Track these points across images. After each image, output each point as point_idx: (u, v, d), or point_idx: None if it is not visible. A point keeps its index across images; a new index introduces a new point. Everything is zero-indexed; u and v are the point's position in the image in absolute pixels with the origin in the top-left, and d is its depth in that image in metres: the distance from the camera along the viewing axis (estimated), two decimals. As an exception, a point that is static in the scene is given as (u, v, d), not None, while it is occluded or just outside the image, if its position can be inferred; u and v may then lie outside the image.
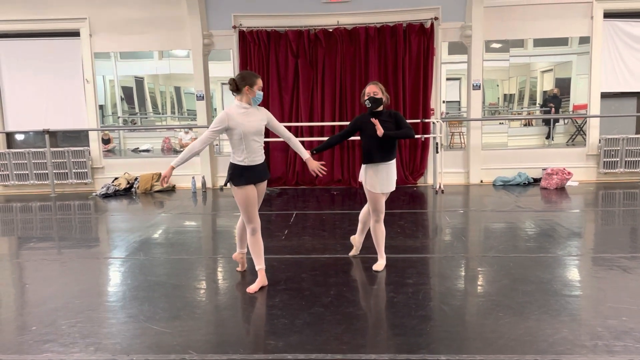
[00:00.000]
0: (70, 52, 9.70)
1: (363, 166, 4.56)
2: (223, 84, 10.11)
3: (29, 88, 9.75)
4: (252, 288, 4.11)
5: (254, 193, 4.10)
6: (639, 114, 9.20)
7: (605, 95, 9.30)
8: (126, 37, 9.57)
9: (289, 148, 9.51)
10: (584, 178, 9.30)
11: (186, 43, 9.55)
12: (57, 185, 9.72)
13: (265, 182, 4.27)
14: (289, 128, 9.50)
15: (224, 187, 4.45)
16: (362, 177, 4.59)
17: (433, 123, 9.04)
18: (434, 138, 8.89)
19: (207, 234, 6.41)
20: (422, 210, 7.38)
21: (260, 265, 4.18)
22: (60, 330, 3.44)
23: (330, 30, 9.26)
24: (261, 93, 4.09)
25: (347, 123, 9.28)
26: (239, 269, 4.65)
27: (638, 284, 4.04)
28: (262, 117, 4.11)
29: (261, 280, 4.16)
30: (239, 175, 4.04)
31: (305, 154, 4.31)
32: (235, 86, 4.01)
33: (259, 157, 4.09)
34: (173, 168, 3.98)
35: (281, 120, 9.38)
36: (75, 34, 9.63)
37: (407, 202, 7.94)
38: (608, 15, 9.05)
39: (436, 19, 9.13)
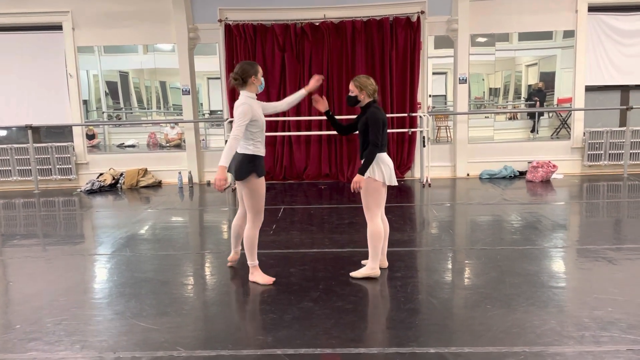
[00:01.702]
0: (52, 46, 9.54)
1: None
2: (209, 78, 10.04)
3: (11, 83, 9.57)
4: (268, 280, 4.13)
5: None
6: (622, 107, 9.29)
7: (589, 89, 9.38)
8: (110, 30, 9.43)
9: (276, 143, 9.47)
10: (569, 171, 9.39)
11: (171, 37, 9.44)
12: (41, 182, 9.59)
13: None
14: (275, 123, 9.53)
15: (233, 186, 4.31)
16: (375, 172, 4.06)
17: (420, 117, 9.06)
18: (421, 132, 8.91)
19: (194, 229, 6.36)
20: (409, 204, 7.40)
21: (256, 261, 4.18)
22: (46, 328, 3.39)
23: (317, 24, 9.22)
24: (263, 79, 4.16)
25: (336, 117, 9.27)
26: (231, 264, 4.60)
27: (623, 275, 4.09)
28: (261, 108, 4.17)
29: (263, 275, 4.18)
30: (260, 165, 4.02)
31: (302, 91, 4.38)
32: (242, 79, 3.98)
33: (263, 150, 4.11)
34: (225, 168, 3.79)
35: (267, 115, 9.30)
36: (57, 27, 9.46)
37: (395, 195, 7.96)
38: (592, 8, 9.11)
39: (422, 12, 9.12)
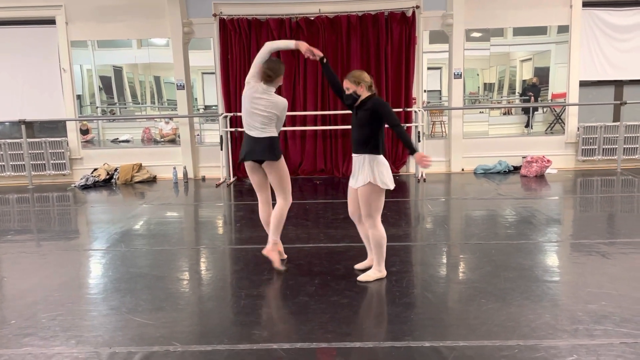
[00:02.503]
0: (45, 40, 9.47)
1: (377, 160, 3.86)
2: (204, 73, 10.00)
3: (4, 78, 9.50)
4: (278, 264, 4.23)
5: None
6: (616, 102, 9.33)
7: (583, 84, 9.41)
8: (104, 25, 9.36)
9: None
10: (563, 165, 9.43)
11: (165, 31, 9.39)
12: (35, 177, 9.54)
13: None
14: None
15: (228, 181, 4.45)
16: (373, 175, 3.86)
17: (415, 112, 9.06)
18: (416, 127, 8.92)
19: (190, 224, 6.36)
20: (404, 199, 7.42)
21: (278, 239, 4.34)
22: (41, 323, 3.39)
23: (312, 18, 9.19)
24: None
25: (330, 112, 9.30)
26: (277, 264, 4.26)
27: (617, 269, 4.12)
28: None
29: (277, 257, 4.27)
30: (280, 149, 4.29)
31: (291, 42, 4.38)
32: (274, 74, 4.19)
33: None
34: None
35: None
36: (50, 21, 9.39)
37: (390, 190, 7.96)
38: (587, 4, 9.12)
39: (418, 7, 9.11)
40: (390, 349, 2.90)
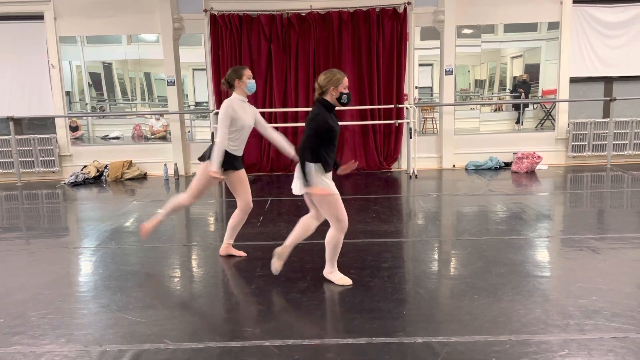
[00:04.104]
0: (34, 36, 9.36)
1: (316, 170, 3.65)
2: (194, 69, 9.93)
3: (-9, 74, 9.40)
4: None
5: (234, 177, 4.36)
6: (606, 98, 9.39)
7: (573, 80, 9.46)
8: (93, 20, 9.27)
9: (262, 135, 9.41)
10: (554, 162, 9.48)
11: (156, 27, 9.32)
12: (24, 174, 9.44)
13: (243, 171, 4.47)
14: (262, 115, 9.42)
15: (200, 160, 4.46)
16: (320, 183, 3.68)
17: (407, 108, 9.07)
18: (408, 123, 8.92)
19: (180, 221, 6.32)
20: (396, 195, 7.43)
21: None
22: (30, 322, 3.35)
23: (303, 14, 9.16)
24: (252, 82, 4.29)
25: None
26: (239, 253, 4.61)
27: (607, 264, 4.15)
28: (253, 113, 4.35)
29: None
30: (228, 159, 4.21)
31: (292, 152, 4.40)
32: (228, 83, 4.25)
33: (241, 150, 4.36)
34: (217, 171, 4.11)
35: (254, 106, 9.24)
36: (39, 17, 9.28)
37: (382, 187, 7.98)
38: (577, 0, 9.17)
39: (409, 3, 9.11)
40: (383, 345, 2.90)
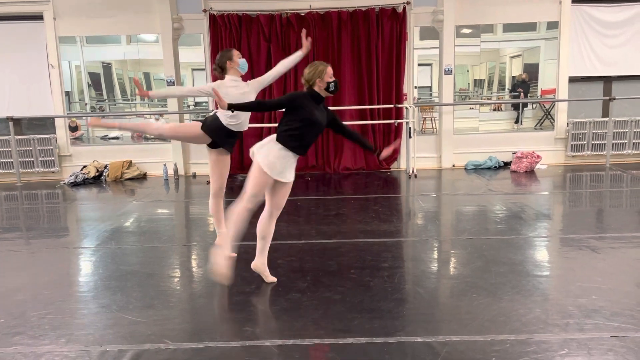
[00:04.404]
0: (33, 36, 9.35)
1: (277, 148, 3.67)
2: (194, 69, 9.93)
3: (-9, 74, 9.39)
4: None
5: (212, 156, 4.45)
6: (605, 97, 9.39)
7: (572, 80, 9.46)
8: (92, 20, 9.27)
9: (262, 134, 9.42)
10: (553, 161, 9.48)
11: (155, 27, 9.31)
12: (23, 174, 9.43)
13: (227, 155, 4.50)
14: (262, 114, 9.46)
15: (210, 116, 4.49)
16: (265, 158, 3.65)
17: (406, 108, 9.07)
18: (407, 123, 8.92)
19: (180, 221, 6.33)
20: (395, 195, 7.43)
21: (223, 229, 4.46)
22: (30, 322, 3.35)
23: (303, 14, 9.15)
24: (243, 60, 4.39)
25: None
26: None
27: (606, 264, 4.15)
28: (251, 88, 4.43)
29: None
30: (212, 129, 4.30)
31: (299, 52, 4.78)
32: (220, 68, 4.34)
33: (242, 127, 4.41)
34: (148, 95, 4.30)
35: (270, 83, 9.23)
36: (38, 17, 9.27)
37: (381, 186, 7.98)
38: (576, 0, 9.17)
39: (408, 3, 9.10)
40: (383, 345, 2.91)
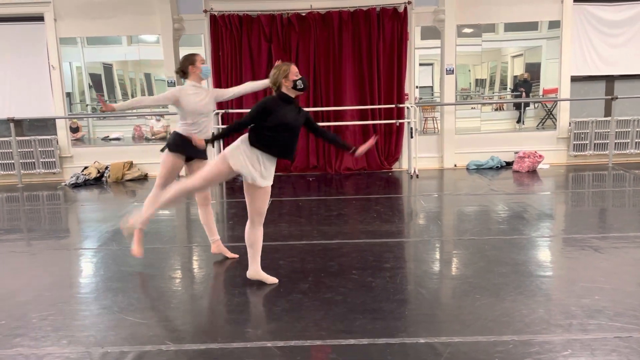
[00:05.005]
0: (34, 37, 9.36)
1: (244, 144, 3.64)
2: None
3: (-8, 75, 9.39)
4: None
5: (180, 165, 4.38)
6: (607, 97, 9.37)
7: (574, 79, 9.45)
8: (93, 21, 9.27)
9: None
10: (555, 161, 9.46)
11: (156, 28, 9.31)
12: (24, 176, 9.44)
13: (204, 160, 4.39)
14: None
15: (162, 151, 4.49)
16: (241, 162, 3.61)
17: (407, 108, 9.06)
18: (409, 123, 8.91)
19: (181, 222, 6.32)
20: (397, 195, 7.41)
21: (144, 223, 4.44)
22: (31, 323, 3.34)
23: (304, 14, 9.15)
24: (207, 66, 4.37)
25: (323, 109, 9.27)
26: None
27: (609, 264, 4.13)
28: (210, 98, 4.37)
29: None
30: (176, 143, 4.28)
31: (266, 81, 4.27)
32: (182, 72, 4.32)
33: (203, 135, 4.26)
34: (114, 109, 4.30)
35: (228, 100, 9.21)
36: (39, 18, 9.28)
37: (383, 187, 7.97)
38: (578, -1, 9.17)
39: (409, 3, 9.09)
40: (385, 346, 2.89)
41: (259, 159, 3.62)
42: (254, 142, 3.61)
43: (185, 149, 4.26)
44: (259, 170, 3.63)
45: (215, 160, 3.71)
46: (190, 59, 4.30)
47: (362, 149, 3.92)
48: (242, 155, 3.60)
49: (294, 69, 3.69)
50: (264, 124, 3.60)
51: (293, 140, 3.75)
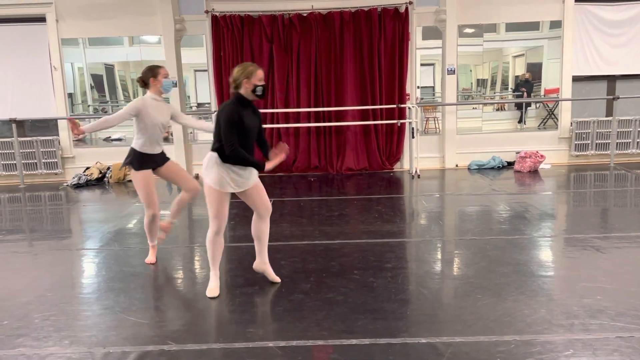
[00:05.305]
0: (36, 38, 9.38)
1: (219, 164, 3.57)
2: (196, 70, 9.94)
3: (-6, 76, 9.42)
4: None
5: (151, 177, 4.36)
6: (609, 97, 9.36)
7: (576, 79, 9.44)
8: (95, 22, 9.29)
9: (273, 135, 9.43)
10: (556, 161, 9.45)
11: (157, 29, 9.32)
12: (26, 176, 9.46)
13: (169, 163, 4.47)
14: (264, 115, 9.46)
15: (123, 167, 4.51)
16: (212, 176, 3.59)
17: (409, 108, 9.06)
18: (410, 123, 8.91)
19: (183, 222, 6.32)
20: (399, 195, 7.41)
21: (154, 242, 4.58)
22: (33, 324, 3.35)
23: (305, 14, 9.15)
24: (169, 80, 4.35)
25: (324, 109, 9.27)
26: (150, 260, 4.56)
27: (611, 263, 4.13)
28: (168, 113, 4.38)
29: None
30: (139, 160, 4.28)
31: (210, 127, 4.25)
32: (143, 82, 4.30)
33: (158, 148, 4.35)
34: (83, 132, 4.14)
35: (256, 105, 9.23)
36: (41, 19, 9.30)
37: (384, 187, 7.97)
38: (579, -1, 9.17)
39: (411, 3, 9.09)
40: (387, 346, 2.89)
41: (232, 170, 3.57)
42: (226, 159, 3.53)
43: (148, 163, 4.32)
44: (240, 178, 3.62)
45: (206, 193, 3.61)
46: (153, 71, 4.27)
47: (270, 166, 3.71)
48: (217, 175, 3.55)
49: (259, 73, 3.56)
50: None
51: (251, 143, 3.66)
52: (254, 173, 3.72)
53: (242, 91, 3.57)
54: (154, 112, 4.24)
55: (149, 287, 3.97)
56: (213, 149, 3.58)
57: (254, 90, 3.56)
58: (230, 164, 3.55)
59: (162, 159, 4.44)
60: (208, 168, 3.59)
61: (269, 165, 3.68)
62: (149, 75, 4.26)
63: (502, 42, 9.72)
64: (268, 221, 3.90)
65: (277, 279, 3.93)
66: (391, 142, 9.57)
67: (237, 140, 3.47)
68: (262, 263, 3.97)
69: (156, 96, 4.30)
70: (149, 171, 4.36)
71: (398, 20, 9.15)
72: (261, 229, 3.88)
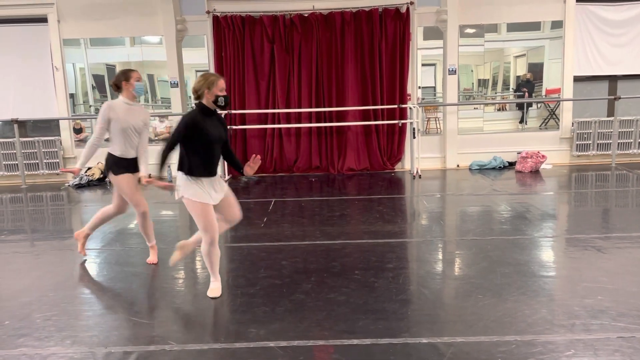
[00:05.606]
0: (38, 38, 9.39)
1: (185, 177, 3.59)
2: (197, 71, 9.94)
3: (-5, 76, 9.43)
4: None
5: (133, 179, 4.38)
6: (610, 97, 9.35)
7: (577, 79, 9.43)
8: (96, 22, 9.30)
9: (266, 135, 9.44)
10: (558, 161, 9.44)
11: (158, 29, 9.33)
12: (28, 176, 9.47)
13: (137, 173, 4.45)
14: (265, 116, 9.49)
15: (106, 179, 4.55)
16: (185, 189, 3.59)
17: (410, 108, 9.05)
18: (411, 123, 8.91)
19: (184, 223, 6.32)
20: (400, 195, 7.41)
21: (152, 242, 4.63)
22: (35, 324, 3.36)
23: (306, 15, 9.16)
24: (141, 84, 4.31)
25: (325, 109, 9.28)
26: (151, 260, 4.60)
27: (612, 264, 4.13)
28: (143, 117, 4.37)
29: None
30: (117, 165, 4.30)
31: (143, 171, 4.39)
32: (115, 86, 4.28)
33: (132, 152, 4.35)
34: (79, 169, 4.29)
35: (257, 107, 9.28)
36: (42, 20, 9.32)
37: (385, 187, 7.97)
38: (580, -1, 9.16)
39: (412, 3, 9.09)
40: (388, 346, 2.90)
41: (201, 180, 3.57)
42: (189, 172, 3.54)
43: (128, 167, 4.34)
44: (215, 193, 3.63)
45: (190, 208, 3.58)
46: (126, 75, 4.26)
47: (249, 170, 3.75)
48: (197, 189, 3.54)
49: (221, 83, 3.54)
50: (189, 146, 3.51)
51: (217, 153, 3.66)
52: (224, 186, 3.73)
53: (204, 101, 3.57)
54: (124, 115, 4.21)
55: (150, 287, 3.98)
56: (178, 169, 3.60)
57: (215, 101, 3.54)
58: (195, 176, 3.55)
59: (135, 165, 4.40)
60: (185, 186, 3.56)
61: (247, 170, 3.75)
62: (122, 79, 4.24)
63: (504, 42, 9.71)
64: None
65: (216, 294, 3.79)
66: (392, 142, 9.56)
67: (178, 142, 3.51)
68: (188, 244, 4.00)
69: (129, 100, 4.28)
70: (131, 174, 4.36)
71: (399, 21, 9.15)
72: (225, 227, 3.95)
